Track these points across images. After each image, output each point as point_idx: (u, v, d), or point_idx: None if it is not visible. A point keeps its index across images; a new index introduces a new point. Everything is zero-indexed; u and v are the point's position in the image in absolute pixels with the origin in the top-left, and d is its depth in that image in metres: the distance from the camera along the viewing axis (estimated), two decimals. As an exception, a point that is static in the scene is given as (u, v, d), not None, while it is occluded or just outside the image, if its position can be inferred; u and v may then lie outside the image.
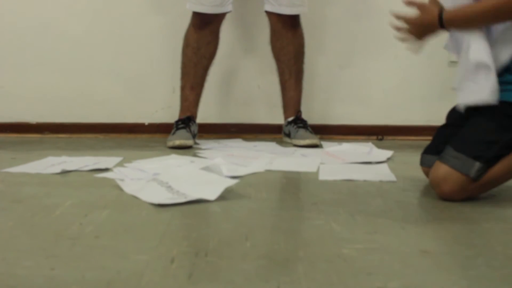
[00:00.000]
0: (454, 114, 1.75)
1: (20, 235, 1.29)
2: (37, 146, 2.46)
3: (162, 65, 2.74)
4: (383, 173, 1.92)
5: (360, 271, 1.07)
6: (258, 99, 2.77)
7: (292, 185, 1.85)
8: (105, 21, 2.73)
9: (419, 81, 2.76)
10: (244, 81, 2.78)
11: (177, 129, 2.44)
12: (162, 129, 2.69)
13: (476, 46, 1.55)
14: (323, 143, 2.48)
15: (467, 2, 1.56)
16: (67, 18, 2.73)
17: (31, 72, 2.74)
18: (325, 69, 2.77)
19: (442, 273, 1.07)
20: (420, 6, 1.62)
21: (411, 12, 1.63)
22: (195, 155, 2.21)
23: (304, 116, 2.55)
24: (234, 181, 1.65)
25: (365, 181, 1.81)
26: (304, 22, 2.52)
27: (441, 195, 1.57)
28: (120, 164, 1.98)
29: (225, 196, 1.56)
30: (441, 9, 1.58)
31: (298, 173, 1.94)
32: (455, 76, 1.65)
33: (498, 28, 1.56)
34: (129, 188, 1.65)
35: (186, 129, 2.43)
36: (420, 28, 1.62)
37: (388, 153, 2.24)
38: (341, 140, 2.55)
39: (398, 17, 1.64)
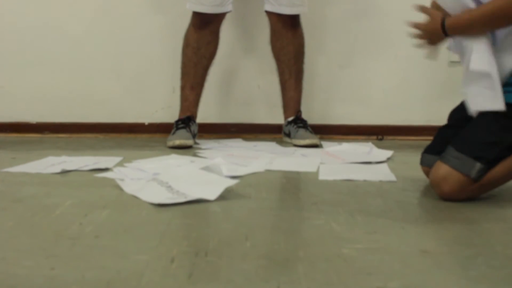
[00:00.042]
0: (456, 115, 1.75)
1: (20, 235, 1.29)
2: (37, 146, 2.46)
3: (162, 65, 2.74)
4: (383, 173, 1.92)
5: (360, 271, 1.07)
6: (258, 99, 2.77)
7: (292, 185, 1.85)
8: (105, 21, 2.73)
9: (419, 81, 2.76)
10: (244, 81, 2.78)
11: (177, 129, 2.44)
12: (162, 129, 2.69)
13: (476, 55, 1.55)
14: (323, 143, 2.48)
15: (472, 7, 1.55)
16: (67, 18, 2.73)
17: (31, 72, 2.74)
18: (325, 69, 2.77)
19: (442, 273, 1.07)
20: (428, 12, 1.64)
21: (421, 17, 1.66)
22: (195, 155, 2.21)
23: (304, 116, 2.55)
24: (234, 181, 1.65)
25: (365, 181, 1.81)
26: (304, 22, 2.52)
27: (441, 195, 1.57)
28: (120, 164, 1.98)
29: (225, 196, 1.56)
30: (444, 16, 1.59)
31: (298, 173, 1.94)
32: (461, 77, 1.65)
33: (502, 34, 1.56)
34: (129, 188, 1.65)
35: (186, 129, 2.43)
36: (429, 34, 1.65)
37: (388, 153, 2.24)
38: (341, 140, 2.55)
39: (411, 24, 1.67)
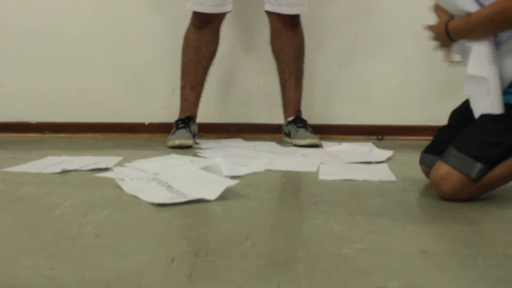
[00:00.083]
0: (457, 116, 1.75)
1: (20, 234, 1.29)
2: (37, 145, 2.46)
3: (162, 65, 2.74)
4: (383, 173, 1.92)
5: (360, 271, 1.07)
6: (258, 99, 2.77)
7: (292, 185, 1.85)
8: (105, 21, 2.73)
9: (419, 81, 2.76)
10: (244, 81, 2.78)
11: (177, 128, 2.44)
12: (162, 129, 2.68)
13: (473, 60, 1.55)
14: (323, 143, 2.48)
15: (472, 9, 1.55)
16: (67, 18, 2.73)
17: (31, 72, 2.74)
18: (325, 69, 2.77)
19: (442, 273, 1.07)
20: (437, 14, 1.65)
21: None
22: (195, 154, 2.21)
23: (304, 116, 2.55)
24: (234, 181, 1.65)
25: (365, 181, 1.80)
26: (304, 22, 2.52)
27: (441, 195, 1.57)
28: (120, 164, 1.98)
29: (225, 196, 1.56)
30: (449, 19, 1.59)
31: (298, 173, 1.94)
32: (461, 77, 1.65)
33: (504, 37, 1.56)
34: (129, 187, 1.65)
35: (186, 129, 2.43)
36: (438, 37, 1.66)
37: (388, 153, 2.24)
38: (341, 140, 2.55)
39: (426, 27, 1.69)
